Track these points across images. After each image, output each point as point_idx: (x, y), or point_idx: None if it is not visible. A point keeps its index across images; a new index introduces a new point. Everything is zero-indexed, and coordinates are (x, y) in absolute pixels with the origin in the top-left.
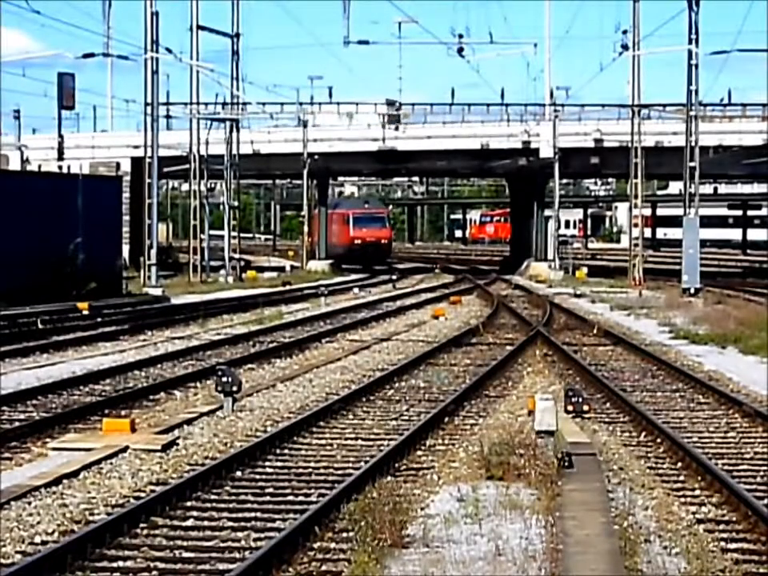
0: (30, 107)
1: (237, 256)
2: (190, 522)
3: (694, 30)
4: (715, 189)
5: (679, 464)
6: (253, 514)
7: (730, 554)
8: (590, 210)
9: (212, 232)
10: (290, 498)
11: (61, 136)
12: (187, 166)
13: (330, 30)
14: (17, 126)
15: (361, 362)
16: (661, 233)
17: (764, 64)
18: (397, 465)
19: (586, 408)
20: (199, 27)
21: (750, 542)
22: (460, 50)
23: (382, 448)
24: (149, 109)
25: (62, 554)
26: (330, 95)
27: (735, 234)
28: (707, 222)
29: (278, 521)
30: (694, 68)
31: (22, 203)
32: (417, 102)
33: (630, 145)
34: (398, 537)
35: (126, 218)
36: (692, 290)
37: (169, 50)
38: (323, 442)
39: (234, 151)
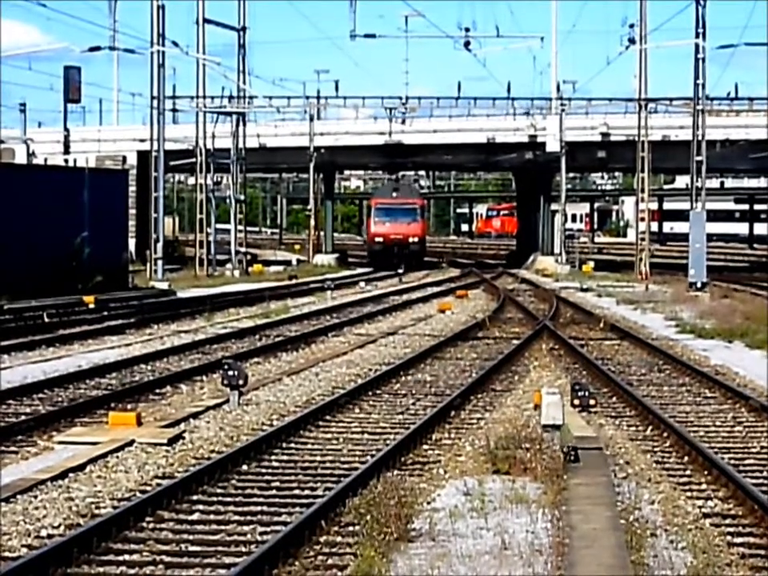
0: (35, 101)
1: (243, 250)
2: (196, 516)
3: (700, 24)
4: (722, 183)
5: (685, 458)
6: (259, 508)
7: (737, 549)
8: (596, 204)
9: (218, 226)
10: (296, 491)
11: (67, 129)
12: (193, 159)
13: (337, 24)
14: (22, 120)
15: (367, 355)
16: (667, 227)
17: None
18: (403, 459)
19: (592, 402)
20: (206, 21)
21: (757, 537)
22: (467, 44)
23: (388, 442)
24: (155, 102)
25: (67, 548)
26: (337, 89)
27: (742, 229)
28: (714, 216)
29: (284, 515)
30: (700, 62)
31: (27, 197)
32: (423, 96)
33: (636, 139)
34: (403, 531)
35: (133, 211)
36: (698, 285)
37: (175, 44)
38: (329, 435)
39: (241, 145)
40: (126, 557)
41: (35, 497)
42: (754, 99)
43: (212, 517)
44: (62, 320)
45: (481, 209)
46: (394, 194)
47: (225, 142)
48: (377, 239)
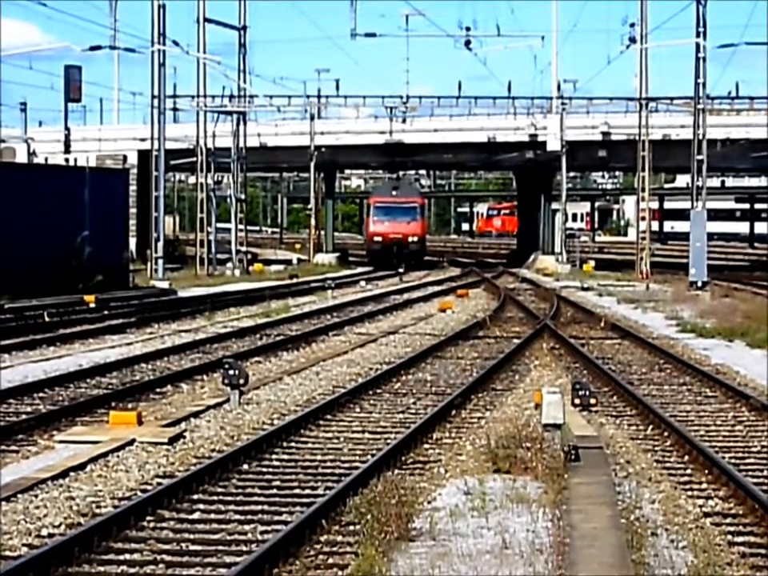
0: (36, 100)
1: (244, 249)
2: (196, 515)
3: (701, 24)
4: (723, 182)
5: (686, 457)
6: (259, 507)
7: (737, 548)
8: (597, 203)
9: (219, 225)
10: (297, 491)
11: (67, 129)
12: (194, 158)
13: (337, 23)
14: (23, 119)
15: (368, 354)
16: (668, 226)
17: None
18: (403, 458)
19: (592, 401)
20: (206, 20)
21: (757, 536)
22: (467, 43)
23: (388, 441)
24: (156, 101)
25: (68, 547)
26: (337, 88)
27: (743, 228)
28: (714, 215)
29: (284, 514)
30: (701, 61)
31: (28, 196)
32: (424, 95)
33: (637, 138)
34: (404, 530)
35: (133, 210)
36: (699, 284)
37: (176, 43)
38: (330, 435)
39: (241, 144)
40: (127, 556)
41: (36, 496)
42: (755, 98)
43: (213, 516)
44: (62, 319)
45: (481, 208)
46: (394, 193)
47: (225, 141)
48: (376, 238)
